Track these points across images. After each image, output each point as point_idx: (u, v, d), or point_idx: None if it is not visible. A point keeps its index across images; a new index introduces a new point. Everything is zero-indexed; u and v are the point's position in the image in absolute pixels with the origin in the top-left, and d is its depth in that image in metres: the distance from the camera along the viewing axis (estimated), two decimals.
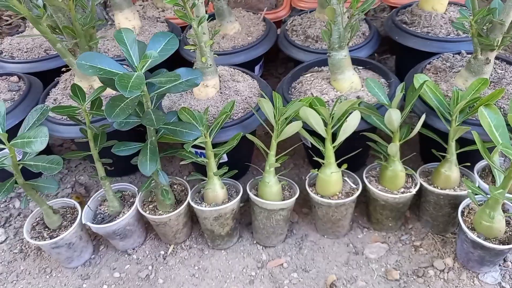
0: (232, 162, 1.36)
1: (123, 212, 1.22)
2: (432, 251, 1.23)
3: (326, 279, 1.19)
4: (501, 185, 0.98)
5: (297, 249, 1.28)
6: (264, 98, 1.13)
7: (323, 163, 1.19)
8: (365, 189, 1.25)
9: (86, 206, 1.23)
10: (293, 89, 1.39)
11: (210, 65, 1.28)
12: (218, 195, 1.21)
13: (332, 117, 1.12)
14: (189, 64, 1.49)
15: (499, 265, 1.16)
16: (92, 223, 1.20)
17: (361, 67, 1.44)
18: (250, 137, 1.17)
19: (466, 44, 1.46)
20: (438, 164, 1.20)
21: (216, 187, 1.20)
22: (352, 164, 1.29)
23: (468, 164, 1.19)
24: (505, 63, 1.33)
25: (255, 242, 1.31)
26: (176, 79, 0.95)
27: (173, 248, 1.32)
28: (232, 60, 1.58)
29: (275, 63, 2.09)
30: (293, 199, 1.21)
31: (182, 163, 1.15)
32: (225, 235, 1.26)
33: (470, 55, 1.34)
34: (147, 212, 1.22)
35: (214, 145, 1.18)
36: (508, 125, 1.10)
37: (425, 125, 1.27)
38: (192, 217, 1.33)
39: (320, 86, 1.34)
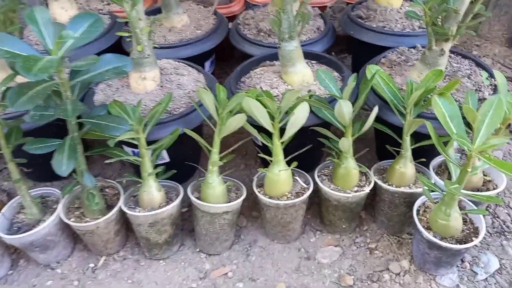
0: (175, 163, 1.24)
1: (43, 220, 1.06)
2: (388, 254, 1.15)
3: None
4: (457, 180, 0.91)
5: (245, 256, 1.17)
6: (205, 89, 1.02)
7: (271, 161, 1.09)
8: (317, 189, 1.16)
9: (1, 214, 1.06)
10: (242, 84, 1.29)
11: (149, 55, 1.16)
12: (154, 199, 1.08)
13: (280, 110, 1.02)
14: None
15: (457, 266, 1.09)
16: (7, 233, 1.04)
17: (314, 62, 1.36)
18: (188, 132, 1.05)
19: (421, 39, 1.41)
20: (393, 161, 1.12)
21: (151, 189, 1.08)
22: (306, 164, 1.20)
23: (424, 160, 1.12)
24: (460, 56, 1.28)
25: (198, 250, 1.19)
26: (94, 61, 0.82)
27: (105, 260, 1.17)
28: (179, 54, 1.46)
29: (230, 62, 1.99)
30: (239, 201, 1.10)
31: (107, 161, 1.01)
32: (163, 243, 1.13)
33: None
34: (71, 219, 1.07)
35: (153, 143, 1.06)
36: (464, 118, 1.05)
37: (379, 120, 1.21)
38: (127, 224, 1.19)
39: (270, 80, 1.25)
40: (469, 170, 0.88)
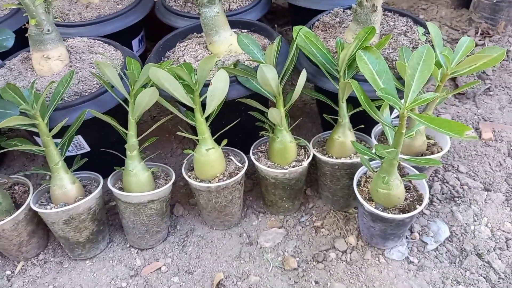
0: (97, 153, 1.11)
1: None
2: (334, 231, 1.07)
3: (213, 279, 0.98)
4: (393, 143, 0.83)
5: (180, 248, 1.06)
6: (105, 62, 0.89)
7: (197, 141, 0.98)
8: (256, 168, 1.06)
9: None
10: (165, 59, 1.17)
11: (49, 30, 1.02)
12: (67, 193, 0.95)
13: (197, 81, 0.91)
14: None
15: (406, 237, 1.02)
16: None
17: (245, 30, 1.24)
18: (97, 114, 0.92)
19: None
20: (332, 131, 1.04)
21: (63, 182, 0.95)
22: (246, 142, 1.10)
23: (362, 126, 1.04)
24: (397, 14, 1.20)
25: (128, 245, 1.07)
26: None
27: (23, 265, 1.04)
28: (98, 32, 1.32)
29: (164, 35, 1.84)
30: (165, 187, 0.98)
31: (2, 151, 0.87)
32: (86, 242, 1.01)
33: None
34: None
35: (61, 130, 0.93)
36: (400, 78, 0.97)
37: (316, 88, 1.12)
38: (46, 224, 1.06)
39: (194, 51, 1.13)
40: (403, 131, 0.79)
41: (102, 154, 1.08)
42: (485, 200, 1.09)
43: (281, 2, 2.05)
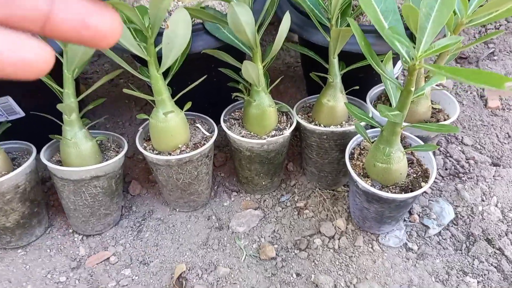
0: (34, 119, 0.90)
1: None
2: (320, 213, 0.90)
3: (173, 271, 0.81)
4: (398, 105, 0.65)
5: (135, 234, 0.88)
6: None
7: (153, 103, 0.79)
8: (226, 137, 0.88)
9: None
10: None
11: None
12: None
13: (150, 24, 0.70)
14: None
15: (404, 220, 0.87)
16: None
17: None
18: None
19: None
20: (320, 94, 0.86)
21: None
22: (216, 109, 0.91)
23: (357, 87, 0.86)
24: None
25: (71, 231, 0.89)
26: None
27: None
28: None
29: None
30: (113, 160, 0.79)
31: None
32: (15, 227, 0.82)
33: None
34: None
35: None
36: (406, 29, 0.79)
37: (302, 41, 0.93)
38: None
39: None
40: (412, 89, 0.62)
41: (39, 120, 0.88)
42: (493, 176, 0.94)
43: None
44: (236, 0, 0.70)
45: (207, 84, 0.88)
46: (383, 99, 0.94)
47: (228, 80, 0.87)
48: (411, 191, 0.72)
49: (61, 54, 0.74)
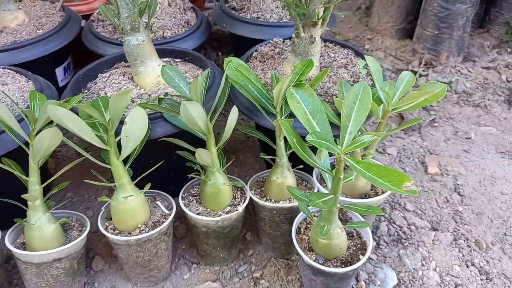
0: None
1: None
2: (275, 282, 0.96)
3: None
4: (331, 189, 0.74)
5: None
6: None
7: (114, 187, 0.85)
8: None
9: None
10: (86, 91, 1.04)
11: None
12: None
13: (111, 120, 0.78)
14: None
15: (352, 287, 0.93)
16: None
17: (178, 60, 1.14)
18: None
19: None
20: (269, 171, 0.94)
21: None
22: (177, 184, 0.98)
23: (301, 166, 0.95)
24: (339, 46, 1.15)
25: None
26: None
27: None
28: (13, 59, 1.17)
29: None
30: (75, 242, 0.84)
31: None
32: None
33: None
34: None
35: None
36: (339, 114, 0.90)
37: (256, 125, 1.03)
38: None
39: (118, 83, 1.01)
40: (341, 176, 0.71)
41: (2, 203, 0.92)
42: (432, 241, 1.02)
43: (227, 30, 1.99)
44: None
45: (167, 162, 0.95)
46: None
47: (187, 160, 0.95)
48: (351, 264, 0.79)
49: (26, 145, 0.80)
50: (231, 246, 0.97)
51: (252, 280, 0.96)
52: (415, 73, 1.69)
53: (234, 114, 0.83)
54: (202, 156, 0.83)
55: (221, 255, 0.97)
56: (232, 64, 0.89)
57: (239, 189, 0.97)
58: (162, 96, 0.94)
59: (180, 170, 1.05)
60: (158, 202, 0.94)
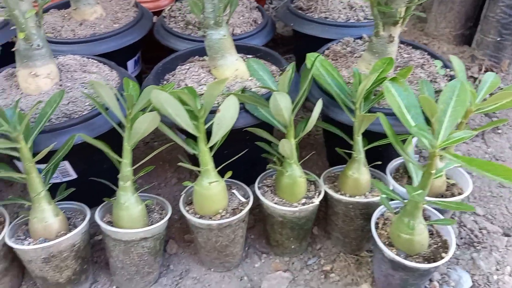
0: (84, 181, 0.99)
1: None
2: (346, 276, 0.97)
3: None
4: (420, 184, 0.75)
5: None
6: (101, 82, 0.79)
7: (199, 172, 0.89)
8: (260, 203, 0.96)
9: None
10: (164, 82, 1.09)
11: (39, 45, 0.93)
12: (49, 227, 0.84)
13: (203, 107, 0.82)
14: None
15: (425, 287, 0.93)
16: None
17: (250, 56, 1.17)
18: (88, 139, 0.82)
19: (367, 29, 1.28)
20: (345, 166, 0.96)
21: (45, 214, 0.83)
22: (250, 175, 1.01)
23: (380, 163, 0.96)
24: (411, 47, 1.15)
25: (115, 287, 0.95)
26: None
27: None
28: (92, 50, 1.23)
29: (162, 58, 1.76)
30: (160, 223, 0.88)
31: None
32: (66, 283, 0.89)
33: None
34: None
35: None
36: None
37: (327, 119, 1.04)
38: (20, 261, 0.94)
39: (197, 75, 1.05)
40: (433, 172, 0.72)
41: (89, 182, 0.97)
42: (505, 246, 1.01)
43: (281, 30, 2.01)
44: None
45: (240, 153, 0.98)
46: (401, 171, 1.03)
47: (258, 151, 0.97)
48: (433, 261, 0.80)
49: (120, 126, 0.85)
50: (303, 238, 0.99)
51: (322, 273, 0.98)
52: (475, 79, 1.67)
53: (318, 107, 0.86)
54: (285, 146, 0.86)
55: (292, 246, 0.99)
56: (312, 58, 0.92)
57: (311, 182, 0.99)
58: (241, 88, 0.97)
59: (251, 161, 1.08)
60: (234, 191, 0.97)
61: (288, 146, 0.86)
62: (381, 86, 0.90)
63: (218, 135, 0.82)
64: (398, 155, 1.08)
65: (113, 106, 0.80)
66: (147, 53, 1.52)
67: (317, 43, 1.25)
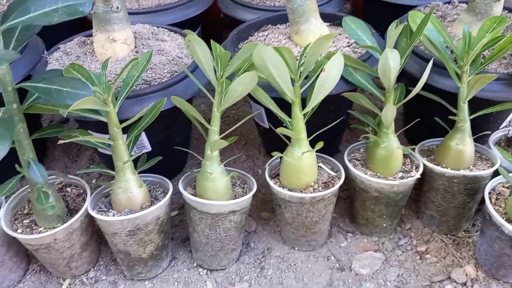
0: (159, 153, 0.94)
1: None
2: (444, 258, 0.88)
3: None
4: None
5: (258, 270, 0.88)
6: (195, 36, 0.72)
7: (289, 143, 0.82)
8: (347, 177, 0.89)
9: None
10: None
11: (118, 8, 0.88)
12: (133, 197, 0.79)
13: (302, 67, 0.75)
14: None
15: None
16: None
17: (327, 23, 1.09)
18: (179, 102, 0.76)
19: None
20: (445, 137, 0.87)
21: (129, 185, 0.78)
22: (322, 150, 0.93)
23: (489, 132, 0.87)
24: (506, 11, 1.05)
25: (195, 265, 0.90)
26: None
27: (69, 284, 0.87)
28: (156, 21, 1.17)
29: (220, 39, 1.70)
30: (249, 196, 0.82)
31: (60, 142, 0.70)
32: (149, 258, 0.84)
33: (464, 4, 1.07)
34: (18, 230, 0.77)
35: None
36: None
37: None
38: (99, 235, 0.89)
39: (278, 41, 0.98)
40: None
41: (162, 155, 0.92)
42: None
43: None
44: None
45: (323, 126, 0.91)
46: (503, 144, 0.94)
47: (340, 124, 0.89)
48: None
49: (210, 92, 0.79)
50: (396, 216, 0.91)
51: (417, 254, 0.90)
52: None
53: (429, 68, 0.77)
54: (389, 112, 0.78)
55: (384, 225, 0.91)
56: (416, 16, 0.83)
57: (405, 155, 0.91)
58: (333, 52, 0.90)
59: (332, 135, 1.01)
60: (320, 164, 0.90)
61: (392, 112, 0.78)
62: (495, 45, 0.81)
63: (318, 98, 0.75)
64: (496, 128, 0.99)
65: (207, 67, 0.73)
66: (206, 27, 1.46)
67: (393, 10, 1.16)
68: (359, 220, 0.93)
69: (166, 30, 1.07)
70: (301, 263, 0.90)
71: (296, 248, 0.93)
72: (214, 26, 1.46)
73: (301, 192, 0.82)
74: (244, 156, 1.18)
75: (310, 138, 0.82)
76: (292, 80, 0.76)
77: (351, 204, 0.94)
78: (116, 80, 0.71)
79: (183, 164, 1.14)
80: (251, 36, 1.06)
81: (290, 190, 0.83)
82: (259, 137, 1.21)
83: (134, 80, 0.77)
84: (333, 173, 0.88)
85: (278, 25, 1.10)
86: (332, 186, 0.83)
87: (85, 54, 0.94)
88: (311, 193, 0.81)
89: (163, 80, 0.87)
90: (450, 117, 0.84)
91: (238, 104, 1.39)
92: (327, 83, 0.74)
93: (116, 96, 0.78)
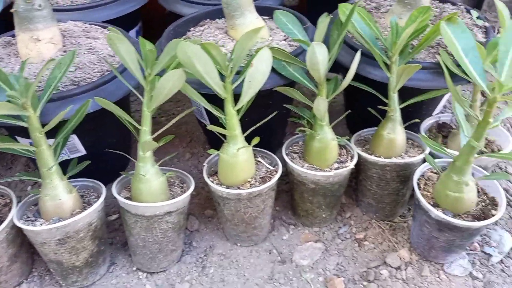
0: (95, 156, 0.91)
1: None
2: (381, 244, 0.91)
3: None
4: (474, 135, 0.69)
5: (200, 269, 0.88)
6: (117, 34, 0.70)
7: (225, 140, 0.81)
8: (286, 171, 0.90)
9: None
10: None
11: (40, 6, 0.83)
12: (62, 205, 0.76)
13: (232, 63, 0.74)
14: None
15: (466, 249, 0.88)
16: None
17: (266, 17, 1.09)
18: (104, 103, 0.74)
19: None
20: (378, 127, 0.89)
21: (57, 191, 0.75)
22: (264, 144, 0.93)
23: (418, 120, 0.90)
24: (437, 1, 1.08)
25: (135, 268, 0.88)
26: None
27: None
28: (91, 18, 1.13)
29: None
30: (186, 195, 0.80)
31: None
32: (84, 266, 0.81)
33: None
34: None
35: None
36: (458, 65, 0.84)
37: (355, 78, 0.97)
38: (31, 245, 0.85)
39: (214, 36, 0.97)
40: (490, 120, 0.66)
41: (98, 158, 0.89)
42: None
43: None
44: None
45: (259, 119, 0.91)
46: (434, 131, 0.98)
47: (278, 118, 0.89)
48: (485, 219, 0.74)
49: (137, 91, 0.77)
50: (334, 206, 0.93)
51: (356, 242, 0.92)
52: None
53: (357, 60, 0.78)
54: (320, 105, 0.79)
55: (323, 215, 0.93)
56: (345, 8, 0.84)
57: (342, 146, 0.92)
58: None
59: (269, 130, 1.01)
60: (259, 159, 0.90)
61: (323, 105, 0.79)
62: (416, 38, 0.84)
63: (248, 94, 0.75)
64: (428, 115, 1.03)
65: (133, 66, 0.71)
66: (146, 23, 1.42)
67: (330, 4, 1.17)
68: (300, 212, 0.95)
69: (100, 27, 1.03)
70: (243, 258, 0.90)
71: (238, 244, 0.93)
72: (158, 23, 1.42)
73: (238, 188, 0.82)
74: (188, 154, 1.16)
75: (247, 133, 0.82)
76: (223, 76, 0.75)
77: (291, 197, 0.95)
78: (33, 83, 0.67)
79: (124, 167, 1.11)
80: (189, 31, 1.04)
81: (227, 187, 0.82)
82: (204, 135, 1.20)
83: (57, 82, 0.73)
84: (271, 168, 0.88)
85: (217, 20, 1.08)
86: (269, 181, 0.83)
87: (9, 55, 0.89)
88: (247, 188, 0.81)
89: (93, 80, 0.84)
90: (380, 107, 0.86)
91: (184, 101, 1.37)
92: (256, 78, 0.73)
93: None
